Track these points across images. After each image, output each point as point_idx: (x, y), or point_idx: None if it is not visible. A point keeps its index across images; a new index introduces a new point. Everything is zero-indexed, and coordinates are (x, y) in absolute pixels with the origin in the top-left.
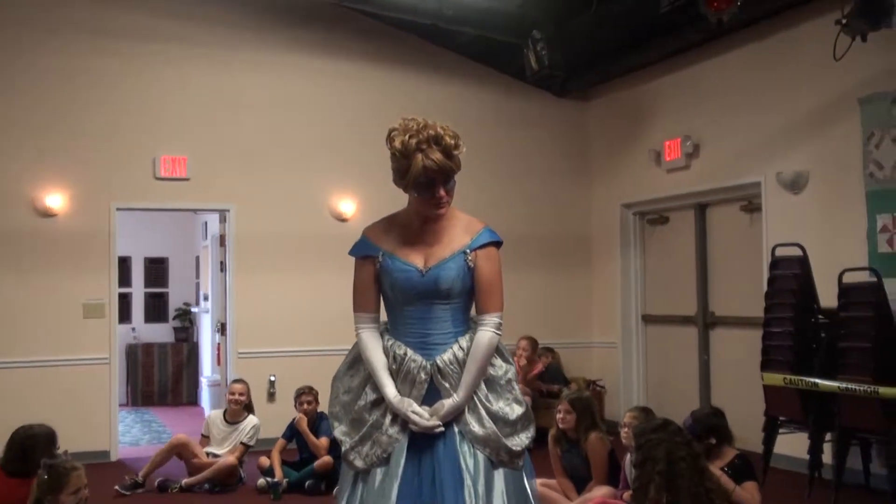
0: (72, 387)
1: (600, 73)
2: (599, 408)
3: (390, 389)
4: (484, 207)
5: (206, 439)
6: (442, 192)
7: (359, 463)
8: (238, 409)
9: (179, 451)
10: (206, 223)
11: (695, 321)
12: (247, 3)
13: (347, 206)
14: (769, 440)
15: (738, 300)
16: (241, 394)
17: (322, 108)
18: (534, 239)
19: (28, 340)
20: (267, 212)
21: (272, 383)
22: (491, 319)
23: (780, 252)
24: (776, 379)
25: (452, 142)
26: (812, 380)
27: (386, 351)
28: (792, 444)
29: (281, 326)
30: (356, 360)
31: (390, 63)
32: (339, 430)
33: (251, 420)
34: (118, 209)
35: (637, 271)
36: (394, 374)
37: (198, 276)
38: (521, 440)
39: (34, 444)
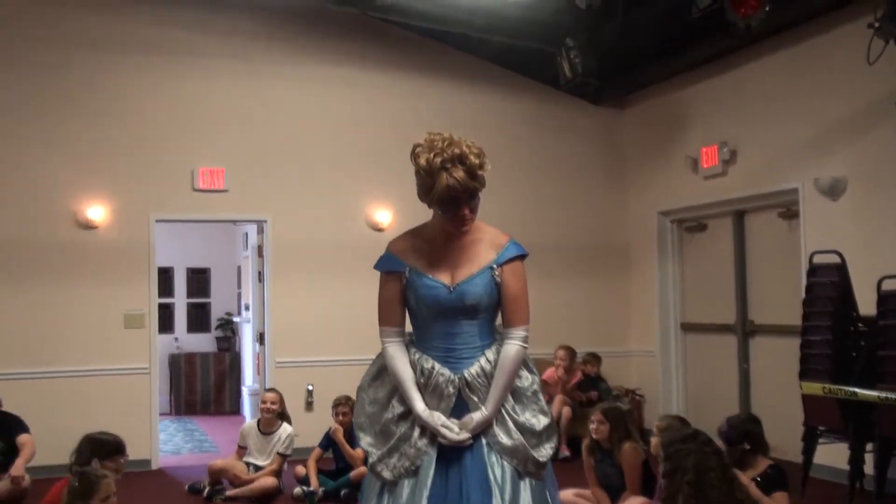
0: (113, 396)
1: (635, 80)
2: (638, 417)
3: (419, 403)
4: (520, 216)
5: (242, 450)
6: (466, 211)
7: (387, 474)
8: (271, 418)
9: (219, 477)
10: (246, 234)
11: (734, 329)
12: (282, 16)
13: (383, 215)
14: (809, 450)
15: (778, 308)
16: (273, 403)
17: (357, 119)
18: (571, 247)
19: (71, 350)
20: (303, 222)
21: (310, 392)
22: (518, 332)
23: (817, 259)
24: (815, 388)
25: (477, 161)
26: (851, 389)
27: (413, 364)
28: (833, 455)
29: (318, 336)
30: (381, 370)
31: (424, 73)
32: (366, 441)
33: (285, 429)
34: (157, 221)
35: (675, 279)
36: (421, 388)
37: (239, 286)
38: (546, 451)
39: (97, 449)
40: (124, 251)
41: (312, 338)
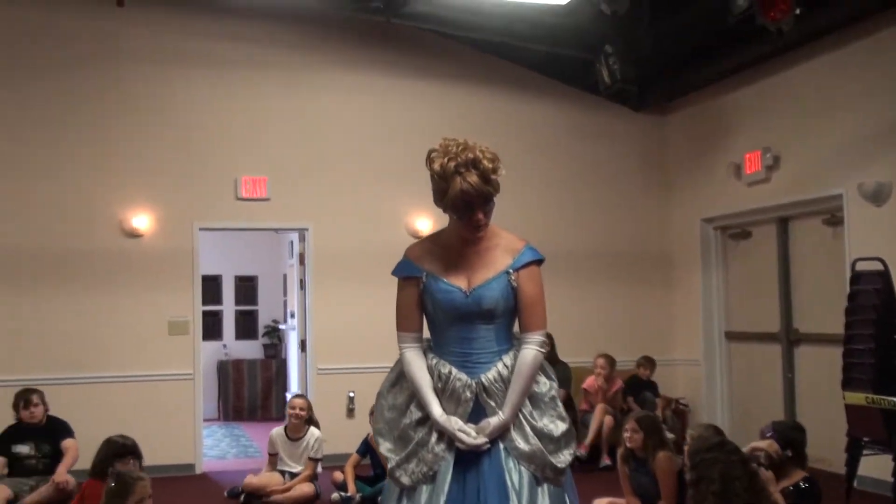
0: (158, 401)
1: (677, 86)
2: (682, 426)
3: (436, 408)
4: (561, 223)
5: (274, 457)
6: (480, 216)
7: (405, 480)
8: (299, 423)
9: (255, 493)
10: (291, 242)
11: (778, 338)
12: (322, 27)
13: (423, 223)
14: (853, 461)
15: (823, 316)
16: (301, 409)
17: (396, 127)
18: (613, 255)
19: (116, 356)
20: (344, 230)
21: (351, 399)
22: (534, 337)
23: (860, 266)
24: (858, 398)
25: (490, 165)
26: (894, 399)
27: (430, 369)
28: (877, 466)
29: (359, 343)
30: (400, 376)
31: (463, 81)
32: (385, 447)
33: (313, 433)
34: (201, 229)
35: (719, 287)
36: (439, 393)
37: (286, 293)
38: (564, 457)
39: (112, 451)
40: (169, 259)
41: (354, 345)
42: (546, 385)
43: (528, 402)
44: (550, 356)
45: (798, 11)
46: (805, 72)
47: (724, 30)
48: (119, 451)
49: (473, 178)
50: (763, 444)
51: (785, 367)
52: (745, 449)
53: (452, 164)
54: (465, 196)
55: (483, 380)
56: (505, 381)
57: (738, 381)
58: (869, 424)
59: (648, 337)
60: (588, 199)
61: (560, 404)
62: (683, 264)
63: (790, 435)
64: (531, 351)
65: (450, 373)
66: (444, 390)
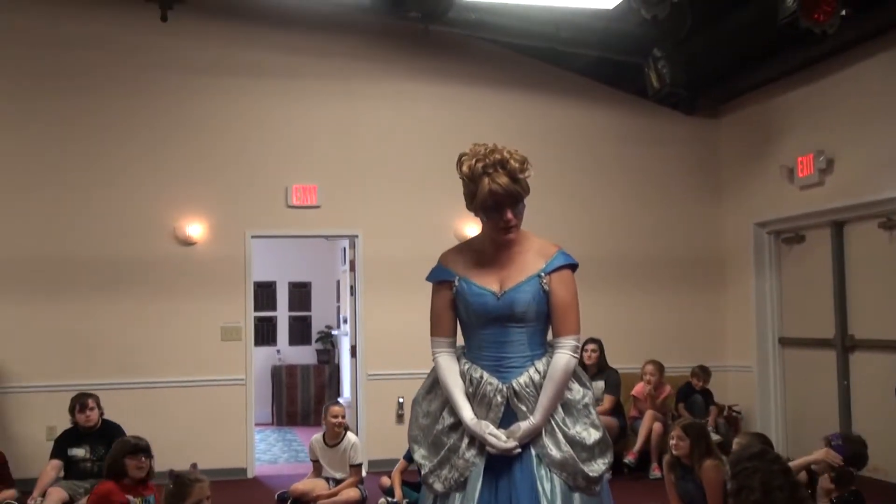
0: (211, 406)
1: (728, 90)
2: (734, 434)
3: (467, 412)
4: (613, 228)
5: (317, 464)
6: (509, 216)
7: (438, 486)
8: (340, 430)
9: (302, 499)
10: (344, 249)
11: (833, 344)
12: (371, 35)
13: (471, 229)
14: None
15: (880, 322)
16: (343, 416)
17: (444, 133)
18: (664, 259)
19: (170, 362)
20: (393, 236)
21: (400, 405)
22: (567, 342)
23: None
24: None
25: (518, 165)
26: None
27: (462, 374)
28: None
29: (408, 348)
30: (435, 383)
31: (511, 87)
32: (419, 454)
33: (350, 438)
34: (253, 236)
35: (772, 292)
36: (470, 397)
37: (338, 299)
38: (598, 466)
39: (124, 450)
40: (221, 266)
41: (403, 350)
42: (580, 392)
43: (560, 409)
44: (600, 362)
45: (844, 13)
46: (857, 73)
47: (774, 32)
48: (131, 449)
49: (502, 178)
50: (821, 454)
51: (840, 373)
52: (808, 459)
53: (480, 165)
54: (494, 196)
55: (514, 385)
56: (537, 387)
57: (791, 387)
58: None
59: (700, 343)
60: (639, 203)
61: (594, 412)
62: (736, 269)
63: (858, 450)
64: (564, 356)
65: (481, 377)
66: (476, 395)
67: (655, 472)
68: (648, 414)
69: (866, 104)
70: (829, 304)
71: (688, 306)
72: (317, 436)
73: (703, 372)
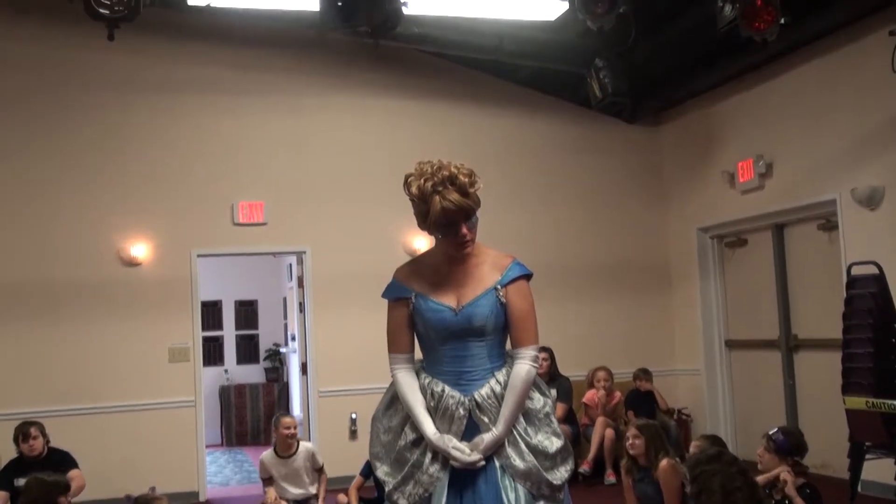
0: (161, 429)
1: (669, 98)
2: (685, 436)
3: (429, 427)
4: (558, 237)
5: (269, 481)
6: (464, 231)
7: (402, 502)
8: (293, 442)
9: None
10: (290, 265)
11: (778, 345)
12: (315, 51)
13: (421, 242)
14: (856, 467)
15: (822, 322)
16: (295, 427)
17: (393, 147)
18: (610, 266)
19: (117, 385)
20: (342, 252)
21: (353, 421)
22: (527, 352)
23: (856, 271)
24: (858, 402)
25: (467, 180)
26: (894, 402)
27: (423, 389)
28: (881, 470)
29: (360, 364)
30: (394, 399)
31: (457, 99)
32: (382, 471)
33: (304, 445)
34: (199, 255)
35: (718, 296)
36: (432, 412)
37: (286, 316)
38: (561, 473)
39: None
40: (168, 287)
41: (355, 366)
42: (540, 401)
43: (522, 419)
44: (551, 370)
45: (783, 21)
46: (794, 79)
47: (713, 41)
48: (60, 490)
49: (453, 194)
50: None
51: (785, 373)
52: (766, 477)
53: (430, 184)
54: (447, 214)
55: (476, 396)
56: (498, 398)
57: (739, 388)
58: (870, 429)
59: (648, 348)
60: (584, 211)
61: (555, 420)
62: (681, 274)
63: (799, 441)
64: (524, 366)
65: (443, 391)
66: (437, 409)
67: (610, 479)
68: (600, 421)
69: (804, 109)
70: (772, 306)
71: (635, 312)
72: (267, 452)
73: (645, 374)
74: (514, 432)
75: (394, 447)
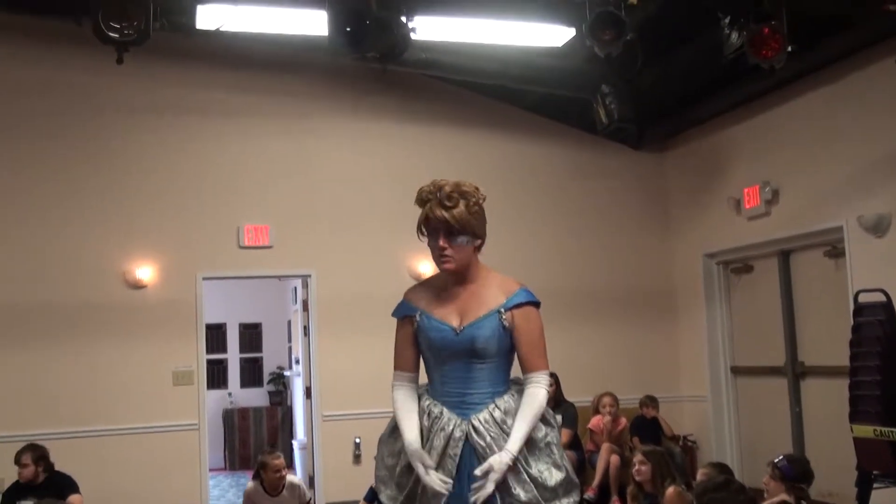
0: (164, 453)
1: (675, 124)
2: (691, 463)
3: (411, 434)
4: (563, 262)
5: None
6: (441, 243)
7: None
8: (282, 480)
9: None
10: (295, 288)
11: (784, 372)
12: (322, 75)
13: (426, 266)
14: (864, 496)
15: (829, 349)
16: (284, 468)
17: (398, 171)
18: (615, 292)
19: (121, 408)
20: (347, 275)
21: (357, 445)
22: (542, 377)
23: (863, 298)
24: (866, 431)
25: (450, 193)
26: None
27: (422, 410)
28: (889, 500)
29: (365, 388)
30: None
31: (464, 124)
32: (386, 495)
33: (291, 479)
34: (204, 278)
35: (724, 322)
36: (426, 432)
37: (290, 340)
38: None
39: None
40: (172, 309)
41: (359, 390)
42: (542, 430)
43: (524, 447)
44: (556, 396)
45: (790, 49)
46: (801, 106)
47: (720, 68)
48: None
49: (437, 208)
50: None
51: (792, 400)
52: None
53: (424, 193)
54: (427, 223)
55: (473, 420)
56: (498, 424)
57: (745, 415)
58: (878, 457)
59: (654, 374)
60: (589, 237)
61: (557, 451)
62: (687, 300)
63: (805, 469)
64: (541, 389)
65: (441, 413)
66: (433, 429)
67: None
68: (605, 447)
69: (810, 136)
70: (778, 333)
71: (640, 338)
72: (253, 486)
73: (652, 401)
74: (517, 462)
75: (395, 471)
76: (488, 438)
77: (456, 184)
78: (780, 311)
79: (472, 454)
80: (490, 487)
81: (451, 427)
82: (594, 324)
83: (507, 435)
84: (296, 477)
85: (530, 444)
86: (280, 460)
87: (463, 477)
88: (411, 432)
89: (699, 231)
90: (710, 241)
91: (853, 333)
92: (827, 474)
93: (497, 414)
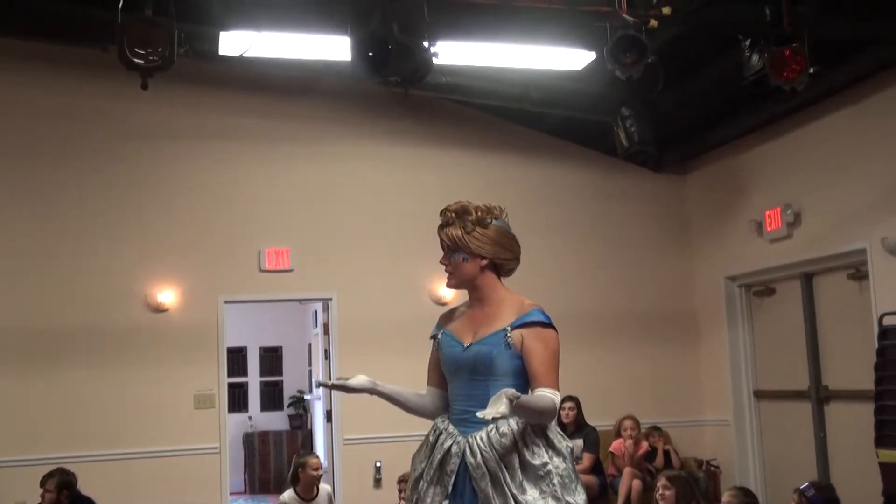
0: (185, 476)
1: (696, 146)
2: (714, 488)
3: (387, 386)
4: (584, 285)
5: None
6: (441, 260)
7: None
8: (317, 483)
9: None
10: (315, 312)
11: (808, 395)
12: (342, 99)
13: (446, 290)
14: None
15: (853, 372)
16: (321, 468)
17: (418, 195)
18: (637, 315)
19: (143, 432)
20: (368, 298)
21: (378, 469)
22: (550, 392)
23: (888, 321)
24: (892, 456)
25: (451, 214)
26: None
27: (434, 427)
28: None
29: (385, 411)
30: (426, 439)
31: (484, 147)
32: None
33: (324, 489)
34: (225, 302)
35: (746, 345)
36: (432, 447)
37: (310, 363)
38: None
39: None
40: (194, 333)
41: (380, 414)
42: (539, 459)
43: (519, 473)
44: (577, 419)
45: (812, 70)
46: (822, 128)
47: (740, 90)
48: None
49: (440, 225)
50: None
51: (816, 425)
52: None
53: (443, 209)
54: (440, 238)
55: (470, 440)
56: (495, 447)
57: (768, 440)
58: None
59: (676, 397)
60: (610, 260)
61: (557, 483)
62: (708, 323)
63: (831, 496)
64: (550, 396)
65: (446, 428)
66: (436, 443)
67: None
68: (627, 471)
69: (832, 158)
70: (802, 356)
71: (662, 361)
72: (288, 493)
73: (656, 430)
74: (507, 490)
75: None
76: (479, 457)
77: (461, 204)
78: (804, 334)
79: (467, 472)
80: (504, 407)
81: (449, 443)
82: (616, 346)
83: (502, 459)
84: (327, 486)
85: (528, 469)
86: (317, 459)
87: (459, 494)
88: (385, 385)
89: (721, 254)
90: (731, 264)
91: (878, 357)
92: (852, 501)
93: (495, 436)
